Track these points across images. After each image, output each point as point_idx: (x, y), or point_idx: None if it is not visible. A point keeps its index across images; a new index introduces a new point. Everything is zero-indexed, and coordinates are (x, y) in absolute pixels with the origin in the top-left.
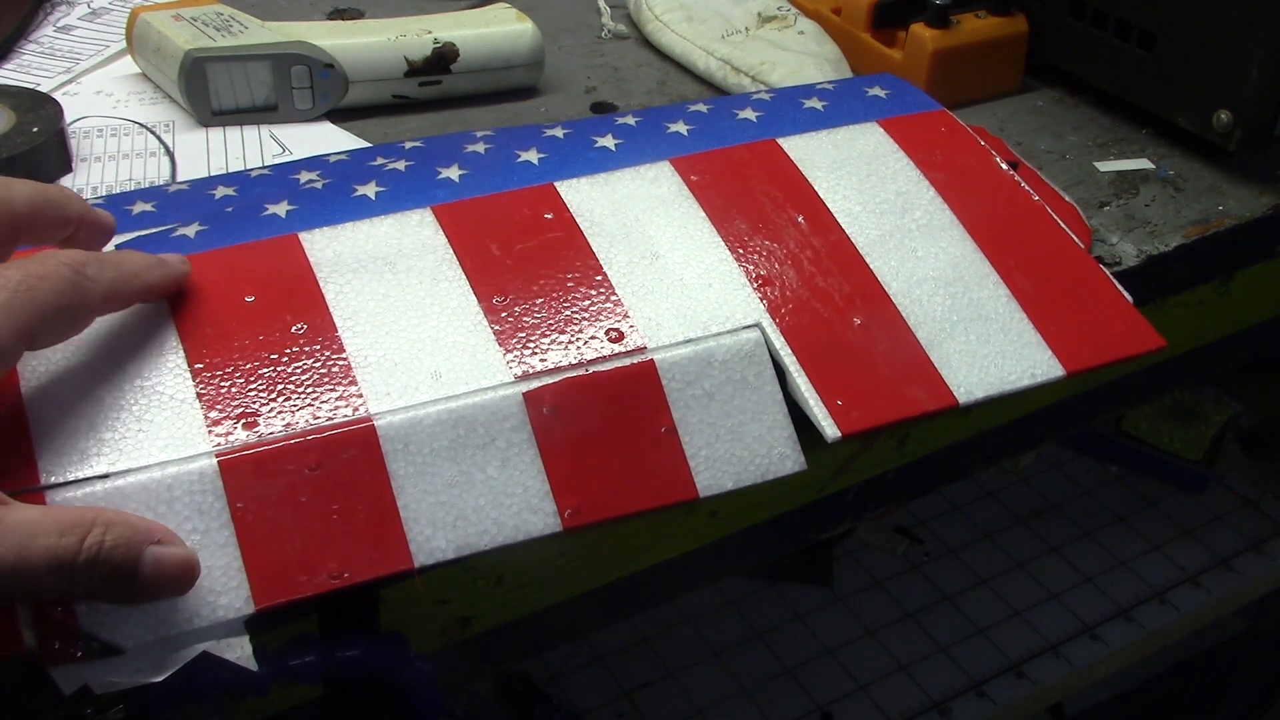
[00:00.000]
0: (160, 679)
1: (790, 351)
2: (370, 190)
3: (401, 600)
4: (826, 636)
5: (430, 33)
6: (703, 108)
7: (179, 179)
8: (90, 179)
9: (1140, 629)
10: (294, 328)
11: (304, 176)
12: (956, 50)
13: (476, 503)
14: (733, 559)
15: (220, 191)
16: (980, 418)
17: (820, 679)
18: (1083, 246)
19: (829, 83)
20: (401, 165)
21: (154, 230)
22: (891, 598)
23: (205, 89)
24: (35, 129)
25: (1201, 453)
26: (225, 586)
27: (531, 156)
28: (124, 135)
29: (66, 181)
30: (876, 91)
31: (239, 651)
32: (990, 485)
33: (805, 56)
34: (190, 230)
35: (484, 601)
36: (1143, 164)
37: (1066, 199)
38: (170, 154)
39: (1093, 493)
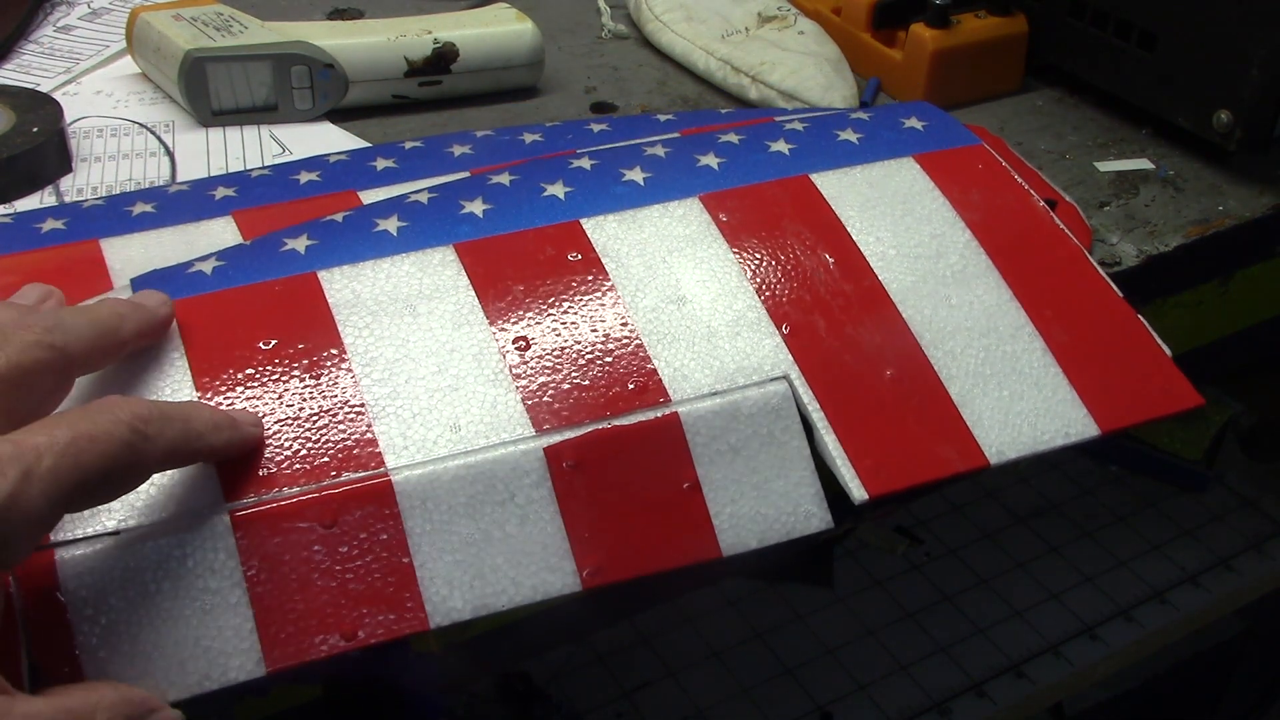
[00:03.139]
0: None
1: (819, 406)
2: (392, 225)
3: None
4: (826, 636)
5: (430, 33)
6: (734, 138)
7: (179, 179)
8: (90, 179)
9: (1140, 629)
10: (310, 375)
11: (304, 177)
12: (956, 50)
13: (494, 561)
14: (733, 559)
15: (220, 192)
16: None
17: (820, 679)
18: (1121, 295)
19: (864, 111)
20: (424, 198)
21: (169, 266)
22: (891, 598)
23: (205, 89)
24: (35, 129)
25: (1201, 453)
26: (236, 648)
27: (557, 191)
28: (124, 135)
29: (66, 181)
30: (912, 123)
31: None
32: (990, 485)
33: (805, 56)
34: (207, 266)
35: None
36: (1143, 164)
37: (1066, 199)
38: (170, 154)
39: (1093, 493)
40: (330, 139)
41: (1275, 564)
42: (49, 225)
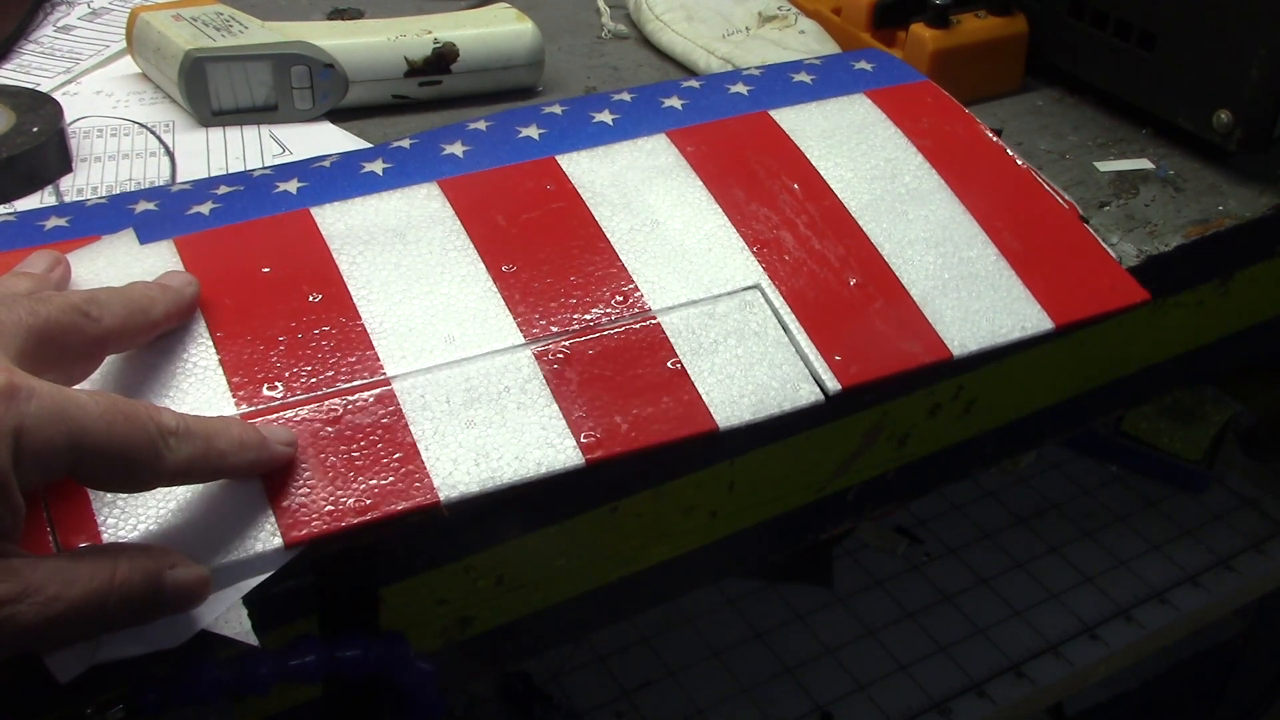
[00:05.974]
0: (174, 645)
1: (790, 310)
2: (378, 167)
3: (401, 600)
4: (826, 636)
5: (430, 33)
6: (695, 84)
7: (179, 179)
8: (90, 179)
9: (1140, 629)
10: (310, 297)
11: None
12: (956, 50)
13: (496, 440)
14: (733, 559)
15: (223, 190)
16: (980, 417)
17: (820, 679)
18: (1067, 207)
19: (816, 58)
20: (406, 144)
21: (167, 210)
22: (891, 598)
23: (205, 89)
24: (35, 129)
25: (1201, 453)
26: (253, 523)
27: (532, 132)
28: (124, 135)
29: (66, 181)
30: (863, 65)
31: (238, 626)
32: (990, 485)
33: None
34: (205, 208)
35: (484, 601)
36: (1143, 164)
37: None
38: (170, 154)
39: (1093, 493)
40: (330, 139)
41: (1275, 564)
42: (52, 223)
